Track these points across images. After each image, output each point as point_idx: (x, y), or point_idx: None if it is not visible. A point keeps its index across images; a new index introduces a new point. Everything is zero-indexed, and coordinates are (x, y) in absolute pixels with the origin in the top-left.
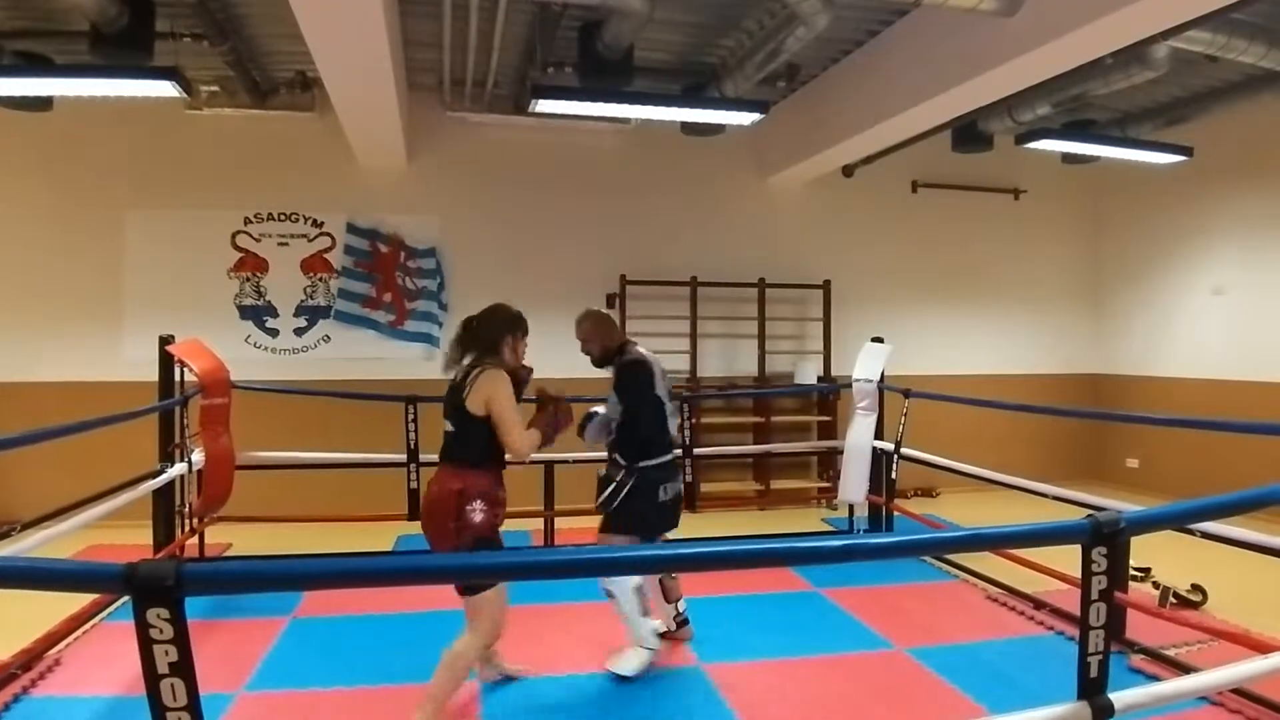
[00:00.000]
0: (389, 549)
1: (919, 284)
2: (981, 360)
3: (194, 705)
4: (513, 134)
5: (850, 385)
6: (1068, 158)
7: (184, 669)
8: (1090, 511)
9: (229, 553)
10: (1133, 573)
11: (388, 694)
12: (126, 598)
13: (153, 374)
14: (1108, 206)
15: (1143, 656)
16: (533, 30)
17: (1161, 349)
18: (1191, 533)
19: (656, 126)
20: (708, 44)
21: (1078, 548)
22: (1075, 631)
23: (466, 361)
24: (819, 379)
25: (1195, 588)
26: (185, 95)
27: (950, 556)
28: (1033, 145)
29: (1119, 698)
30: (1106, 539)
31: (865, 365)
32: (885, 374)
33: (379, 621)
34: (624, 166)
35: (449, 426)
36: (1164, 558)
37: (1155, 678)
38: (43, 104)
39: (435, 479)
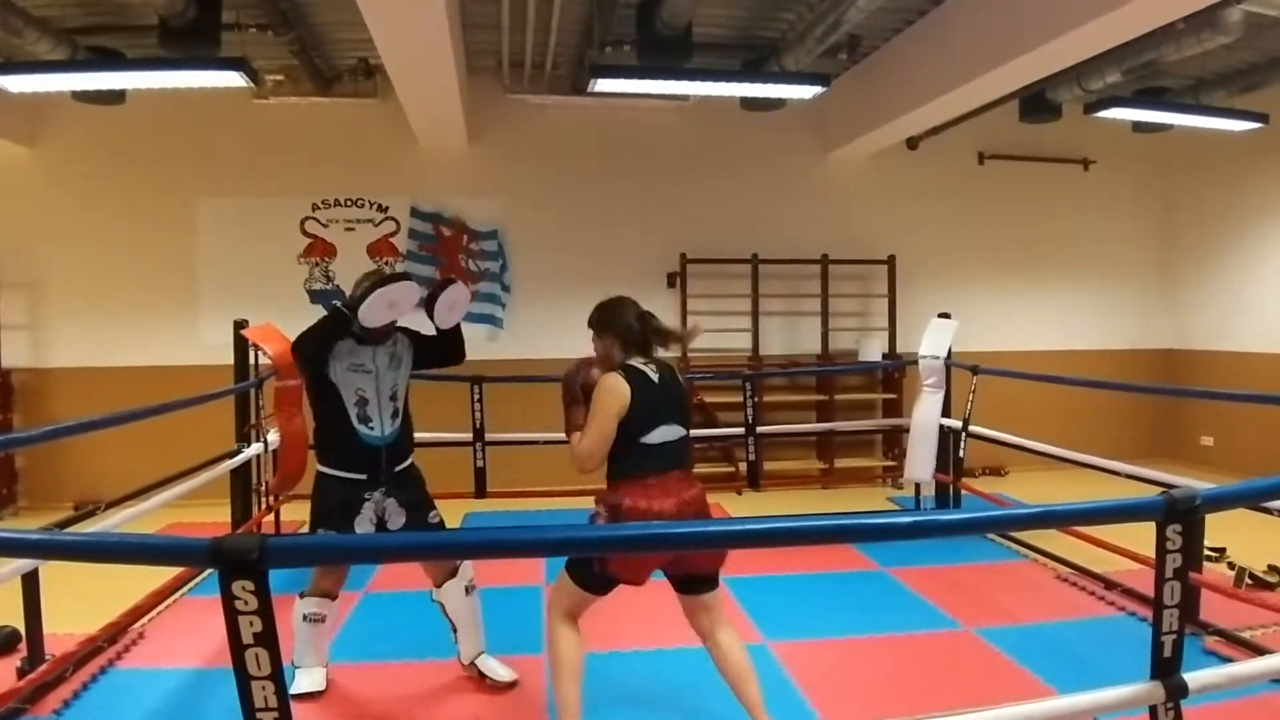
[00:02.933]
0: (457, 526)
1: (986, 258)
2: (1050, 335)
3: (278, 674)
4: (572, 114)
5: (916, 362)
6: (1138, 126)
7: (268, 639)
8: (1164, 489)
9: (303, 530)
10: (1207, 553)
11: (457, 666)
12: (209, 572)
13: (228, 358)
14: (1180, 176)
15: (1217, 638)
16: (591, 9)
17: (1236, 322)
18: (1268, 512)
19: (716, 102)
20: (767, 17)
21: (1150, 527)
22: (1147, 612)
23: (656, 360)
24: (884, 356)
25: (1272, 568)
26: (252, 85)
27: (1019, 536)
28: (1102, 114)
29: (1193, 678)
30: (1182, 516)
31: (932, 342)
32: (952, 350)
33: None
34: (684, 144)
35: (678, 432)
36: (1239, 538)
37: (1230, 659)
38: (115, 97)
39: (690, 485)
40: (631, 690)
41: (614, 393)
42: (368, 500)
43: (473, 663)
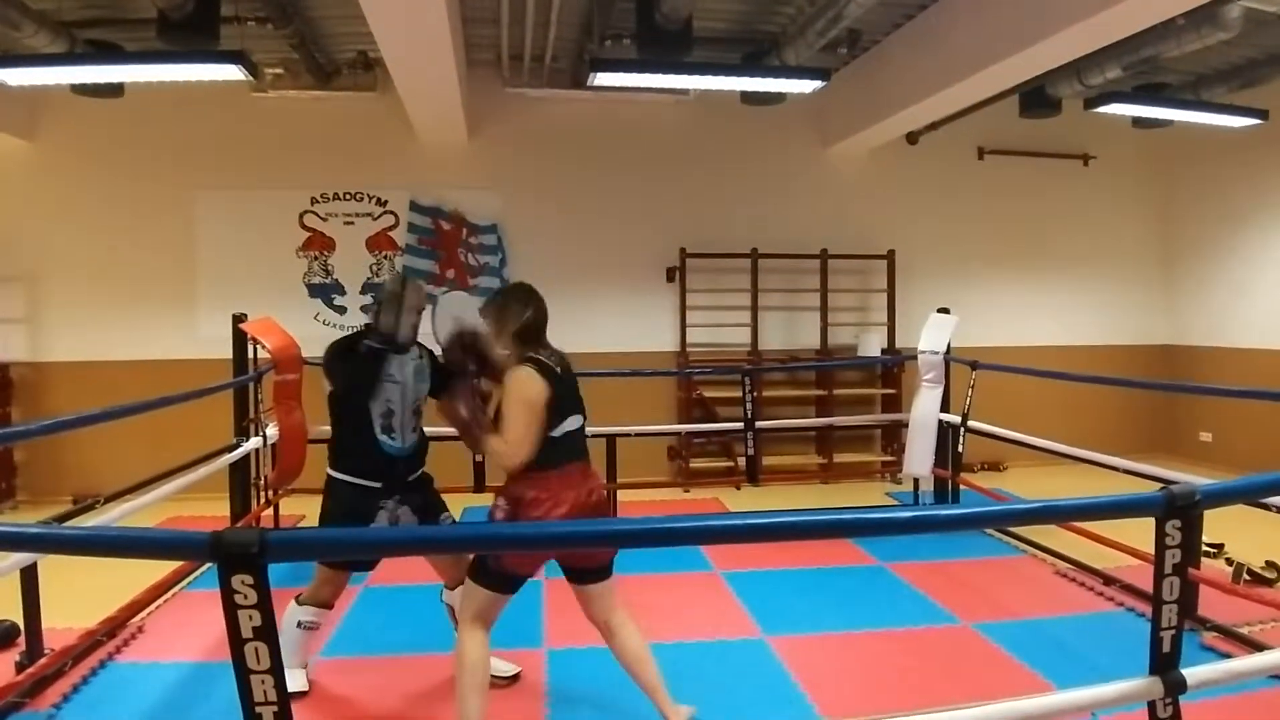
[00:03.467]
0: (457, 520)
1: (986, 253)
2: (1050, 331)
3: (277, 668)
4: (571, 108)
5: (915, 357)
6: (1138, 122)
7: (267, 633)
8: (1163, 484)
9: (302, 524)
10: (1205, 549)
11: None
12: (208, 566)
13: (227, 351)
14: (1180, 171)
15: (1215, 634)
16: (590, 3)
17: (1236, 319)
18: (1267, 508)
19: (716, 97)
20: (767, 11)
21: (1149, 522)
22: (1146, 608)
23: (554, 351)
24: (883, 351)
25: (1270, 564)
26: (251, 78)
27: (1018, 531)
28: (1102, 109)
29: (1192, 673)
30: (1181, 512)
31: (931, 337)
32: (951, 345)
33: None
34: (683, 138)
35: (579, 422)
36: (1238, 534)
37: (1228, 655)
38: (114, 90)
39: (590, 479)
40: (624, 684)
41: (536, 381)
42: (382, 509)
43: None
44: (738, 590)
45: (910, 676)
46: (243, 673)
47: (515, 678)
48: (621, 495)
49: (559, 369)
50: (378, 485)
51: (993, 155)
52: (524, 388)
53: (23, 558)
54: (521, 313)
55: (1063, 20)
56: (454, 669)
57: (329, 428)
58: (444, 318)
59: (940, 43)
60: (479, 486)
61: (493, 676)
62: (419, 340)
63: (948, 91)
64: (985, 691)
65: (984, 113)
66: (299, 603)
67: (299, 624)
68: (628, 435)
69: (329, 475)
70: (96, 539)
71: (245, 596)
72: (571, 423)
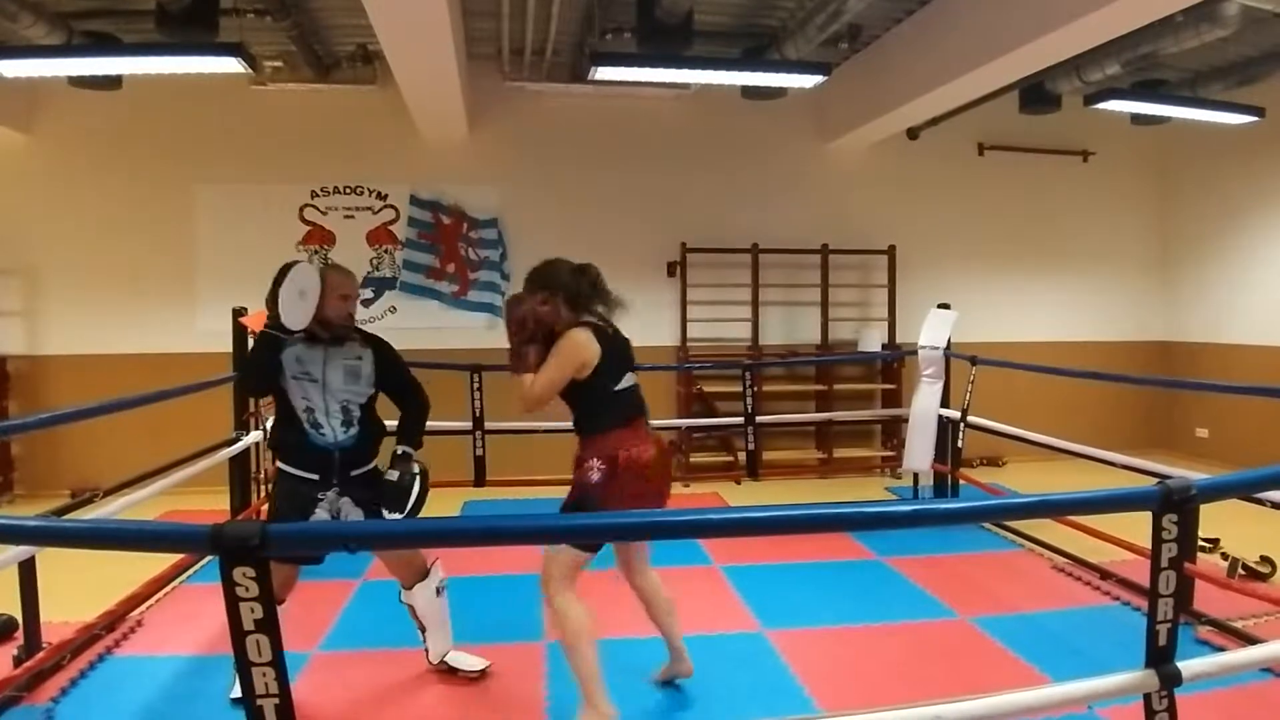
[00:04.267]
0: (456, 514)
1: (985, 249)
2: (1049, 326)
3: (278, 660)
4: (572, 102)
5: (915, 353)
6: (1137, 118)
7: (269, 626)
8: (1160, 479)
9: None
10: (1201, 543)
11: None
12: (208, 560)
13: (226, 345)
14: (1178, 168)
15: (1210, 628)
16: None
17: (1233, 315)
18: (1261, 503)
19: (716, 91)
20: (768, 5)
21: (1146, 517)
22: (1141, 602)
23: (603, 315)
24: (883, 346)
25: (1264, 559)
26: (250, 71)
27: (1016, 525)
28: (1101, 106)
29: (1187, 667)
30: (1177, 506)
31: (931, 332)
32: (951, 341)
33: None
34: (684, 133)
35: (634, 380)
36: (1233, 529)
37: (1222, 649)
38: (112, 83)
39: (647, 435)
40: (622, 676)
41: (584, 347)
42: (321, 500)
43: (442, 660)
44: (736, 584)
45: (908, 670)
46: (244, 665)
47: (483, 673)
48: None
49: (610, 330)
50: (314, 477)
51: (993, 151)
52: (574, 348)
53: (21, 551)
54: (560, 279)
55: (1062, 16)
56: (561, 638)
57: None
58: (289, 291)
59: (940, 38)
60: (479, 481)
61: (461, 671)
62: (367, 336)
63: (948, 87)
64: (982, 685)
65: (984, 108)
66: None
67: None
68: None
69: (276, 466)
70: (97, 532)
71: (246, 589)
72: (630, 379)
